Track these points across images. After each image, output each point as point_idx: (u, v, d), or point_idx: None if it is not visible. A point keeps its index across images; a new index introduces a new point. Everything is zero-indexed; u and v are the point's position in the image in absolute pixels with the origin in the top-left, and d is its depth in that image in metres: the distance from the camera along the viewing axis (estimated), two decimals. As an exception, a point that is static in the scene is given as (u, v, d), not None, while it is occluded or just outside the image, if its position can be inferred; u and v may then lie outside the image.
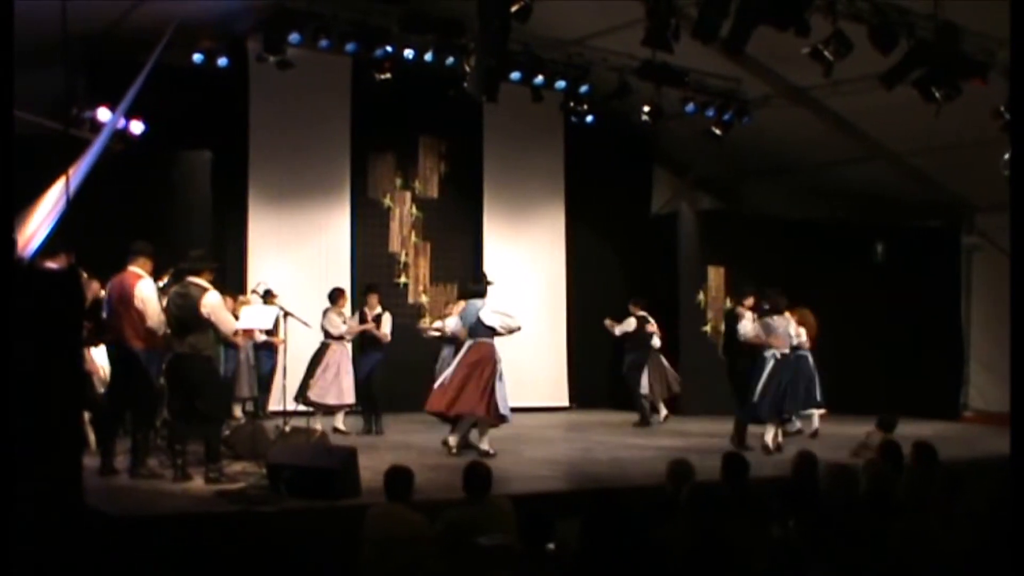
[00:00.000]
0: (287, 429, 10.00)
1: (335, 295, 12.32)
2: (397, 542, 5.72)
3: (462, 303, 11.26)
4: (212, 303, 8.48)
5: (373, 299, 12.56)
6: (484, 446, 10.38)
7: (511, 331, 10.67)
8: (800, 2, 9.79)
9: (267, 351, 12.45)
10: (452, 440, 10.44)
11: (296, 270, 13.94)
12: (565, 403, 16.22)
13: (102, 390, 9.29)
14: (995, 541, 4.89)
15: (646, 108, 13.61)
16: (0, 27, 4.94)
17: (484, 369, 10.41)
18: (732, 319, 12.32)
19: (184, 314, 8.43)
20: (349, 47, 12.44)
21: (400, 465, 6.27)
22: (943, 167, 14.63)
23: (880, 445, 7.29)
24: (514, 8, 9.64)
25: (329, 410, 12.14)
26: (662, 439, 12.25)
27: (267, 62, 12.60)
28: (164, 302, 8.79)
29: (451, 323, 11.37)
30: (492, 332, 10.55)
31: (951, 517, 5.38)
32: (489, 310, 10.58)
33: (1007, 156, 11.13)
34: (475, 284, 10.88)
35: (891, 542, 5.12)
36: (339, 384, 12.00)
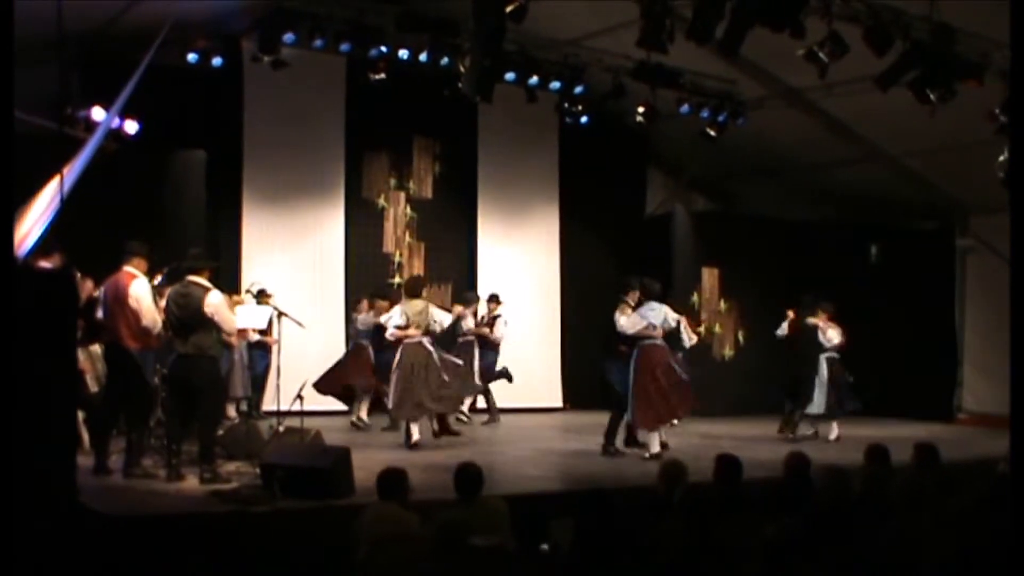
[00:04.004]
0: (281, 429, 10.00)
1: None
2: (390, 541, 5.71)
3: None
4: (215, 302, 8.45)
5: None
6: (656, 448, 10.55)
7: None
8: (795, 3, 9.80)
9: (261, 351, 12.46)
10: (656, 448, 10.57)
11: (290, 270, 13.93)
12: (559, 404, 16.25)
13: (95, 389, 9.27)
14: (987, 542, 4.89)
15: (641, 109, 13.61)
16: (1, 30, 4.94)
17: (671, 371, 10.62)
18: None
19: (186, 314, 8.38)
20: (344, 47, 12.44)
21: (393, 467, 6.27)
22: (938, 169, 14.64)
23: (867, 448, 7.29)
24: (509, 8, 9.63)
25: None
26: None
27: (262, 62, 12.56)
28: (161, 302, 8.77)
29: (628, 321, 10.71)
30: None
31: (944, 518, 5.38)
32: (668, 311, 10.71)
33: (1002, 158, 11.16)
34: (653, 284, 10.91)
35: (883, 542, 5.12)
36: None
